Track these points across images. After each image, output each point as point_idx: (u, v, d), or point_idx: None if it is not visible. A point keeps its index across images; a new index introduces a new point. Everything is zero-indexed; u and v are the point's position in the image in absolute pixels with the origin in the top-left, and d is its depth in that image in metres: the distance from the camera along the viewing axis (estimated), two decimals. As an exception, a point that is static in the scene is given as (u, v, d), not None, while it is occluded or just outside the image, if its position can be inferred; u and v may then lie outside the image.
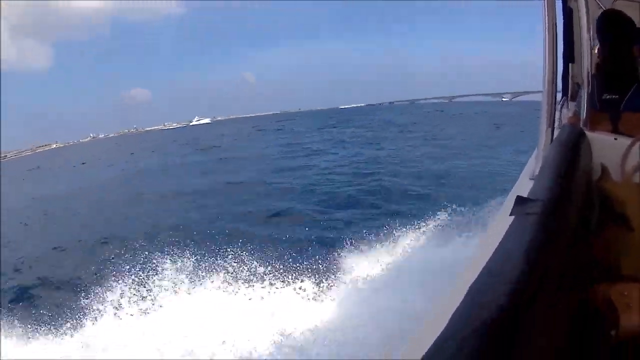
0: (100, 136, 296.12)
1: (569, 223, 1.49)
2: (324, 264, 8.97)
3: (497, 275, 0.97)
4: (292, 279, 8.40)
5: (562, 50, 4.03)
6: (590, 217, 2.15)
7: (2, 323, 7.96)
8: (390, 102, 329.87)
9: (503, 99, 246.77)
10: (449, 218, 10.12)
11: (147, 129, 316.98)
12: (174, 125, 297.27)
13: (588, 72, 2.90)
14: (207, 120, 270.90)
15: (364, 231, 9.97)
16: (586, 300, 1.80)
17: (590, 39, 3.05)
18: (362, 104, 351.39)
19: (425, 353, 0.75)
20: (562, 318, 1.17)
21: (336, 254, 9.34)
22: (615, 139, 2.58)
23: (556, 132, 2.50)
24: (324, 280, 8.32)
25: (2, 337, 7.52)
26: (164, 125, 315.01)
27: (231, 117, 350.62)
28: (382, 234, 9.66)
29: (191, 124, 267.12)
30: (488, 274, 0.98)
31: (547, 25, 2.28)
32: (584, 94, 2.85)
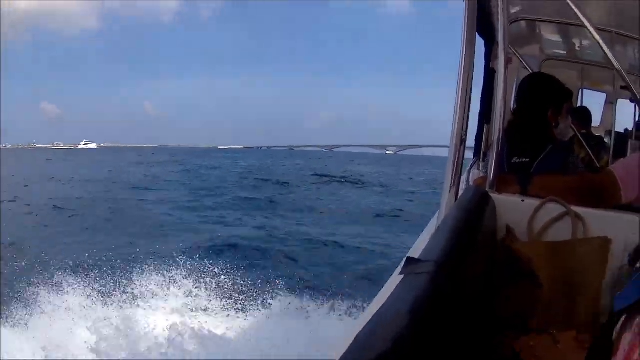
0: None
1: (467, 281, 1.63)
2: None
3: (380, 327, 1.05)
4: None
5: (479, 110, 4.31)
6: (494, 276, 2.38)
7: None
8: (268, 147, 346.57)
9: (387, 152, 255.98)
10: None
11: (38, 145, 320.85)
12: (61, 145, 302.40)
13: (499, 132, 3.07)
14: (93, 145, 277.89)
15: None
16: (492, 352, 2.03)
17: (504, 101, 3.26)
18: (240, 146, 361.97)
19: None
20: None
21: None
22: (523, 200, 2.76)
23: None
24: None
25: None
26: (53, 144, 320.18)
27: (118, 144, 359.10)
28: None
29: (79, 147, 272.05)
30: (371, 326, 1.06)
31: (461, 86, 2.46)
32: (493, 155, 3.02)
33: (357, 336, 1.02)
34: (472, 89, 2.51)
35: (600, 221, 2.62)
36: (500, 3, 3.32)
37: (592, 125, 6.54)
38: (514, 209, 2.77)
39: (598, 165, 4.46)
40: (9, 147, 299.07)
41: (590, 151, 4.43)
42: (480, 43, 4.17)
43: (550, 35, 5.70)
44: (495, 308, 2.27)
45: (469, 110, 2.52)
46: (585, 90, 7.28)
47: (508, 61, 3.51)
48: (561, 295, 2.37)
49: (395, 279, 1.43)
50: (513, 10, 4.71)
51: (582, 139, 4.47)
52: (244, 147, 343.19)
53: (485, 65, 4.37)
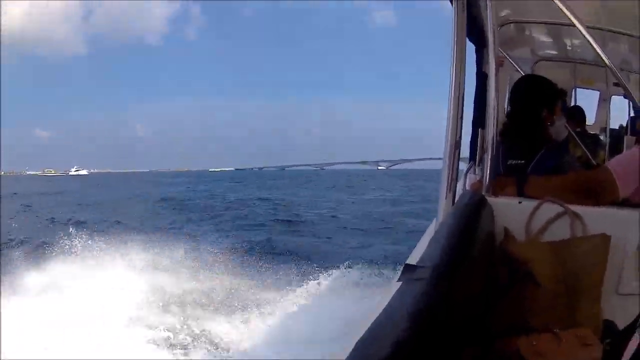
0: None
1: (464, 285, 1.64)
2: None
3: (379, 333, 1.08)
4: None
5: (472, 116, 4.32)
6: (494, 278, 2.39)
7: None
8: (259, 168, 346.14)
9: (379, 168, 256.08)
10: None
11: (29, 172, 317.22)
12: (52, 172, 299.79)
13: (493, 137, 3.10)
14: (84, 172, 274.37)
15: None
16: (495, 354, 2.05)
17: (496, 104, 3.28)
18: (232, 168, 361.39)
19: None
20: None
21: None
22: (520, 202, 2.78)
23: None
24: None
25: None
26: (44, 171, 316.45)
27: (107, 170, 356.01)
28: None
29: (70, 173, 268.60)
30: (370, 332, 1.08)
31: (453, 90, 2.44)
32: (488, 159, 3.04)
33: (357, 342, 1.04)
34: (465, 94, 2.52)
35: (598, 218, 2.62)
36: (488, 6, 3.34)
37: (587, 123, 6.56)
38: (511, 211, 2.78)
39: (595, 163, 4.48)
40: (2, 173, 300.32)
41: (586, 149, 4.45)
42: (470, 48, 4.19)
43: (541, 36, 5.72)
44: (495, 310, 2.29)
45: (462, 114, 2.52)
46: (578, 89, 7.30)
47: (499, 64, 3.53)
48: (562, 294, 2.39)
49: (395, 286, 1.44)
50: (502, 14, 4.73)
51: (577, 138, 4.49)
52: (235, 169, 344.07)
53: (477, 70, 4.38)
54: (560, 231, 2.63)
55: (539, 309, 2.34)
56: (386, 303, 1.28)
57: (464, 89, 2.50)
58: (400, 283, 1.41)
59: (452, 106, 2.49)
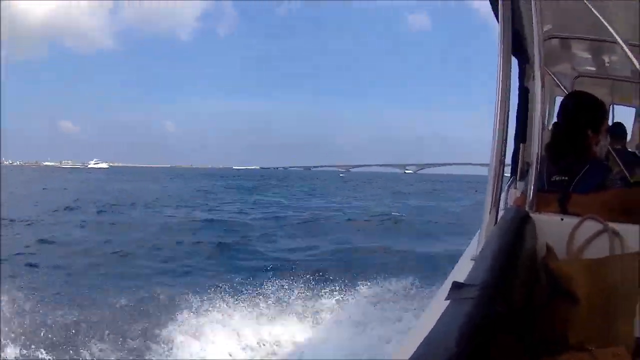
0: (5, 163, 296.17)
1: (509, 303, 1.61)
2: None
3: (430, 353, 1.04)
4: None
5: (515, 130, 4.26)
6: (535, 294, 2.36)
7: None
8: (285, 167, 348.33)
9: (407, 171, 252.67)
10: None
11: (46, 163, 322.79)
12: (70, 164, 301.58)
13: (537, 153, 3.06)
14: (104, 165, 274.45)
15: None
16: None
17: (541, 120, 3.25)
18: (256, 167, 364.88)
19: None
20: None
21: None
22: (562, 219, 2.77)
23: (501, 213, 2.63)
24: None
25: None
26: (60, 163, 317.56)
27: (129, 165, 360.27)
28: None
29: (88, 166, 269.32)
30: (421, 351, 1.04)
31: (499, 104, 2.37)
32: (532, 175, 3.02)
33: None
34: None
35: (637, 236, 2.56)
36: (534, 22, 3.29)
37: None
38: (553, 227, 2.76)
39: (631, 181, 4.39)
40: (17, 163, 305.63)
41: (623, 167, 4.36)
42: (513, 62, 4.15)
43: (582, 52, 5.61)
44: (535, 327, 2.26)
45: (507, 131, 2.47)
46: (615, 106, 7.16)
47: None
48: (599, 312, 2.35)
49: (439, 304, 1.42)
50: (545, 29, 4.68)
51: (615, 155, 4.41)
52: (260, 168, 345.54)
53: (519, 85, 4.32)
54: (600, 248, 2.60)
55: (576, 326, 2.30)
56: (431, 320, 1.27)
57: (509, 106, 2.43)
58: (447, 301, 1.38)
59: (497, 123, 2.41)
